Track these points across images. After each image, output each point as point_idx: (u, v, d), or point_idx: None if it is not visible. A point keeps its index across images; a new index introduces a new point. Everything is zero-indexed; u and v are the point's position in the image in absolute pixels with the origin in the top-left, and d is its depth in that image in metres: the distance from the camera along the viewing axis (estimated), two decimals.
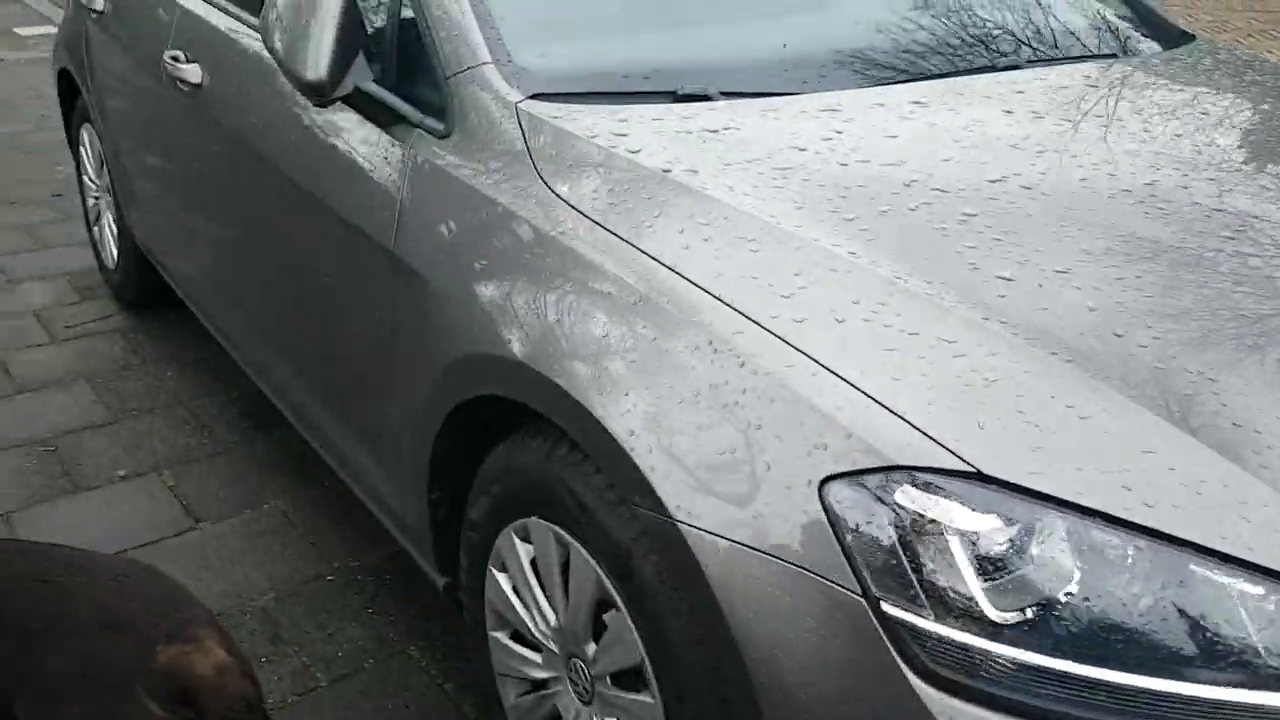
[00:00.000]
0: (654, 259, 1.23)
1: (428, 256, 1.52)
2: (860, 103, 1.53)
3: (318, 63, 1.55)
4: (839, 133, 1.43)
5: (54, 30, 7.58)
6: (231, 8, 2.14)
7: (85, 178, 3.39)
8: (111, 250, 3.26)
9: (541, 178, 1.39)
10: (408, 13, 1.66)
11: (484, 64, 1.52)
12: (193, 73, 2.16)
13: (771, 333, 1.11)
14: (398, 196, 1.59)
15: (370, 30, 1.72)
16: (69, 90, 3.33)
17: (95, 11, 2.83)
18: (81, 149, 3.34)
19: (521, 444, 1.40)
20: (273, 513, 2.37)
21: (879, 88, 1.60)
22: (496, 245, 1.40)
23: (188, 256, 2.57)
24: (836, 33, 1.72)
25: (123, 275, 3.22)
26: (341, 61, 1.57)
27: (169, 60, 2.23)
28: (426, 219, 1.53)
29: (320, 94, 1.58)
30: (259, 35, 2.00)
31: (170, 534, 2.27)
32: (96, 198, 3.34)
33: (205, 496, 2.41)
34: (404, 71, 1.66)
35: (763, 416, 1.07)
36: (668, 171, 1.32)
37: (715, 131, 1.41)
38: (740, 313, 1.14)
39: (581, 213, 1.33)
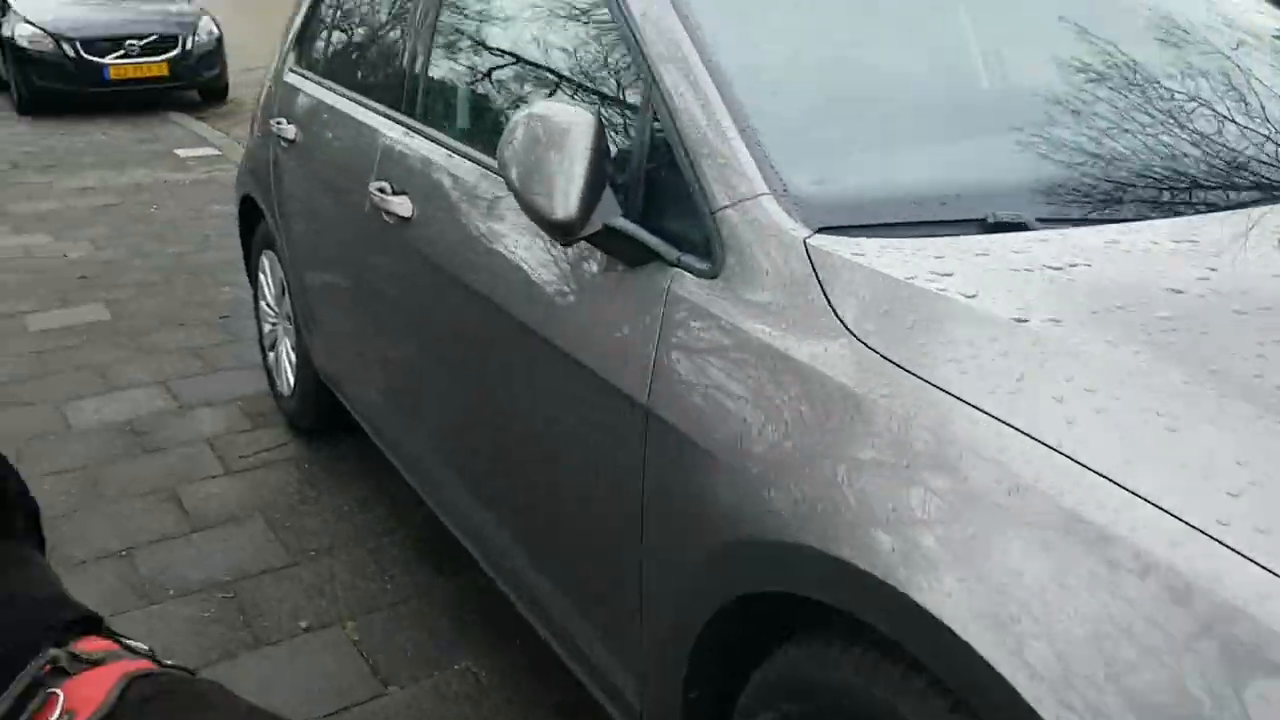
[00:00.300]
0: (1026, 435, 0.98)
1: (692, 414, 1.31)
2: (1219, 232, 1.27)
3: (567, 200, 1.38)
4: (1213, 270, 1.17)
5: (213, 152, 7.97)
6: (444, 138, 2.03)
7: (263, 304, 3.36)
8: (288, 377, 3.19)
9: (848, 328, 1.17)
10: (657, 133, 1.49)
11: (759, 195, 1.33)
12: (401, 205, 2.05)
13: (1229, 547, 0.84)
14: (652, 343, 1.39)
15: (612, 157, 1.56)
16: (249, 216, 3.33)
17: (286, 140, 2.81)
18: (261, 275, 3.31)
19: (824, 651, 1.15)
20: (464, 675, 2.15)
21: (1227, 213, 1.34)
22: (787, 406, 1.18)
23: (377, 388, 2.45)
24: (1156, 145, 1.48)
25: (299, 402, 3.14)
26: (591, 197, 1.40)
27: (375, 191, 2.13)
28: (691, 370, 1.32)
29: (568, 233, 1.42)
30: (479, 167, 1.88)
31: (359, 700, 2.07)
32: (274, 324, 3.30)
33: (392, 653, 2.22)
34: (654, 203, 1.48)
35: (1239, 667, 0.79)
36: (1023, 321, 1.08)
37: (1059, 269, 1.17)
38: (1174, 516, 0.87)
39: (910, 372, 1.09)
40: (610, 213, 1.44)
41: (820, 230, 1.28)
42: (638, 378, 1.41)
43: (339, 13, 2.80)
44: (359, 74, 2.56)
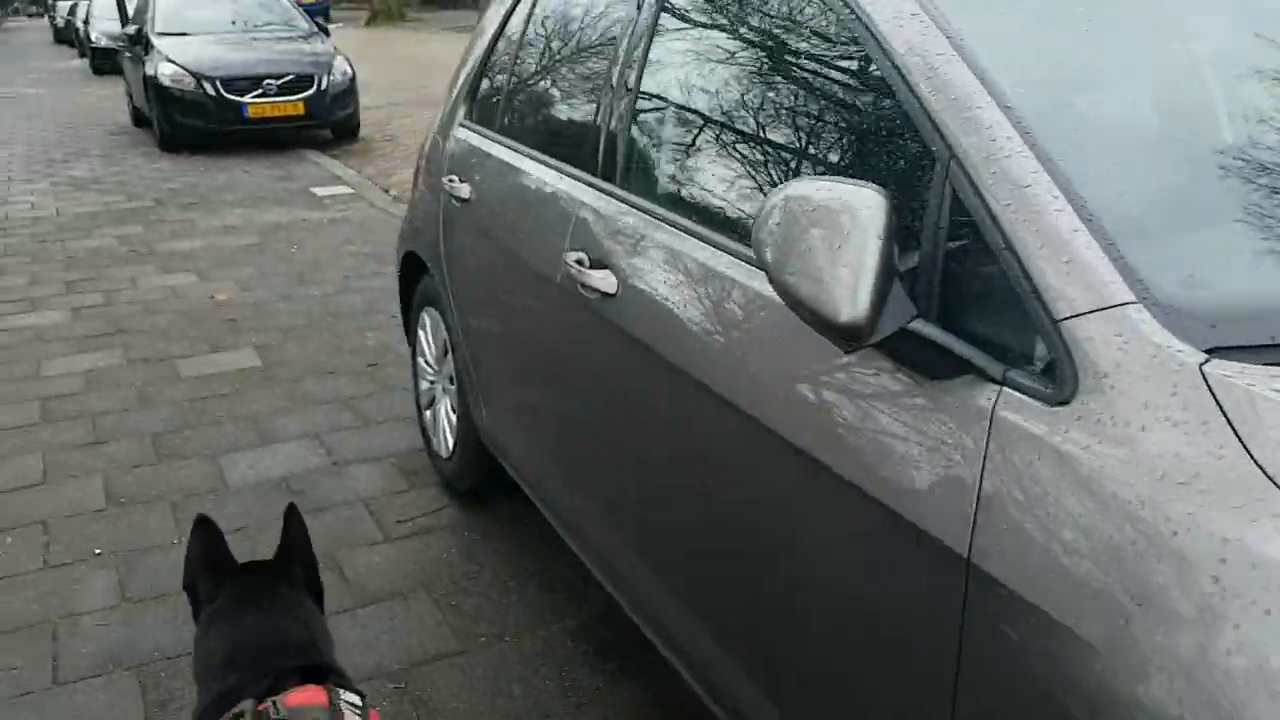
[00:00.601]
0: None
1: (1038, 578, 1.05)
2: None
3: (855, 299, 1.15)
4: None
5: (348, 190, 8.03)
6: (657, 209, 1.81)
7: (421, 361, 3.23)
8: (446, 439, 3.04)
9: None
10: (956, 214, 1.25)
11: (1124, 304, 1.08)
12: (604, 280, 1.85)
13: None
14: (973, 479, 1.15)
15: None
16: (411, 273, 3.21)
17: (458, 199, 2.66)
18: (421, 332, 3.18)
19: None
20: None
21: None
22: (1191, 585, 0.92)
23: (554, 462, 2.25)
24: None
25: (459, 464, 2.98)
26: (881, 296, 1.16)
27: (573, 263, 1.94)
28: (1038, 523, 1.07)
29: (856, 338, 1.18)
30: (711, 247, 1.65)
31: None
32: (432, 382, 3.16)
33: None
34: (956, 301, 1.24)
35: None
36: None
37: None
38: None
39: None
40: (903, 314, 1.20)
41: (1212, 351, 1.02)
42: (952, 521, 1.16)
43: (518, 65, 2.65)
44: (543, 132, 2.39)
